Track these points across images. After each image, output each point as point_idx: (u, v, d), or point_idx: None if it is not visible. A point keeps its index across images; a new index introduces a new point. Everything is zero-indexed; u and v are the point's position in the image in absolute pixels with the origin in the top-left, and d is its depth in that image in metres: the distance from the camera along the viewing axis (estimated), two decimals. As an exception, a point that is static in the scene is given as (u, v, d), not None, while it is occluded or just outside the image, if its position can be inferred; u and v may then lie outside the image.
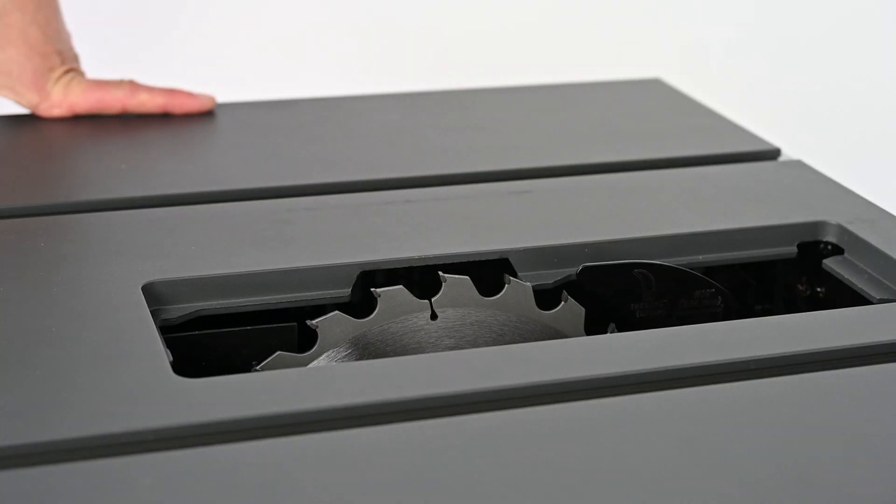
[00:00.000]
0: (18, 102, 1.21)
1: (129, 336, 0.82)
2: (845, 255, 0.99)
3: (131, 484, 0.68)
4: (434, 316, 0.90)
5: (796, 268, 1.01)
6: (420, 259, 0.92)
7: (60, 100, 1.20)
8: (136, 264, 0.91)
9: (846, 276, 0.96)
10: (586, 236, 0.96)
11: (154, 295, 0.88)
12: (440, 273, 0.90)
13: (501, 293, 0.91)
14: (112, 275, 0.89)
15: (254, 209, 1.01)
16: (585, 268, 0.93)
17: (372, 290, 0.89)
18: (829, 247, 1.00)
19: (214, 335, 0.92)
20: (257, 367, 0.88)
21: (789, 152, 1.17)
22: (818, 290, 1.01)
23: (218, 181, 1.08)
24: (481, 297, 0.91)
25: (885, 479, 0.70)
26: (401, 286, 0.89)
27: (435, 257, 0.92)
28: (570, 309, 0.92)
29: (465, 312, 0.90)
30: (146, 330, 0.82)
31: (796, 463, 0.71)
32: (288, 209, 1.01)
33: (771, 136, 1.21)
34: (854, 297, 0.95)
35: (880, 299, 0.93)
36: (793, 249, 1.00)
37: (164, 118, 1.22)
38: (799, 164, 1.13)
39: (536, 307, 0.91)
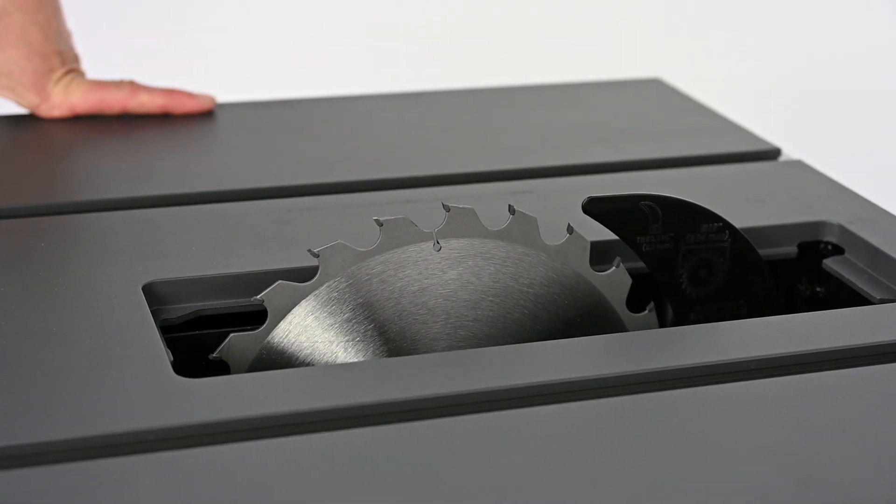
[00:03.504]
0: (19, 103, 1.21)
1: (129, 336, 0.82)
2: (845, 255, 0.99)
3: (131, 484, 0.68)
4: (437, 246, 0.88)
5: (796, 268, 1.01)
6: (420, 259, 0.92)
7: (61, 101, 1.20)
8: (137, 264, 0.91)
9: (846, 276, 0.96)
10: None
11: (154, 295, 0.88)
12: (443, 203, 0.89)
13: (506, 224, 0.89)
14: (112, 275, 0.89)
15: (254, 209, 1.01)
16: (592, 199, 0.91)
17: (375, 218, 0.87)
18: (830, 247, 1.00)
19: (214, 335, 0.92)
20: (257, 298, 0.86)
21: (789, 152, 1.17)
22: (818, 290, 1.01)
23: (218, 181, 1.08)
24: (486, 227, 0.89)
25: (885, 479, 0.70)
26: (404, 216, 0.87)
27: (435, 257, 0.92)
28: (575, 241, 0.91)
29: (468, 243, 0.88)
30: (146, 330, 0.82)
31: (796, 463, 0.71)
32: (288, 209, 1.01)
33: (771, 136, 1.21)
34: (854, 297, 0.95)
35: (880, 299, 0.93)
36: (793, 249, 1.00)
37: (164, 118, 1.22)
38: (799, 164, 1.13)
39: (541, 239, 0.90)
